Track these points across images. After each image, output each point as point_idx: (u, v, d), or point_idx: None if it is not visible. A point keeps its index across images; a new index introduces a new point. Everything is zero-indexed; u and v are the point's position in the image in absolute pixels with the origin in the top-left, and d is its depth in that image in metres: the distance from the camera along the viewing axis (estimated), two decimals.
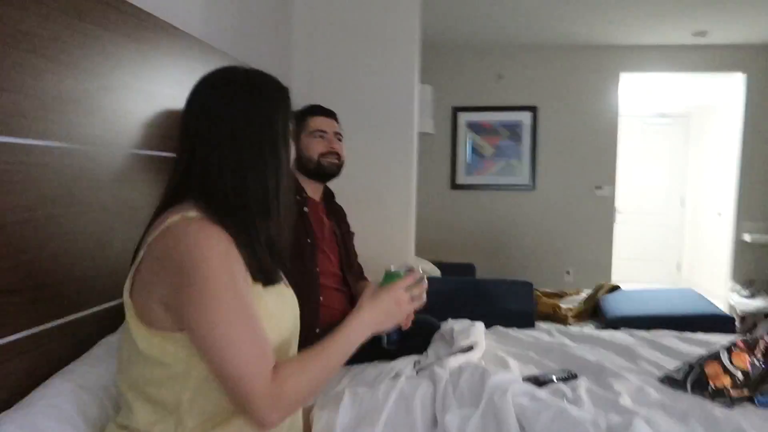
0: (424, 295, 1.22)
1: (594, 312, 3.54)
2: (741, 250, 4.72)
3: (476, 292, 2.94)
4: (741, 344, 1.46)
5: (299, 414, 1.14)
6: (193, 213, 0.94)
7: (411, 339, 1.88)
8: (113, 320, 1.33)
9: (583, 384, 1.45)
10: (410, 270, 1.16)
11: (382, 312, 1.07)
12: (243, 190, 0.97)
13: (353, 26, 2.81)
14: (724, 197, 5.03)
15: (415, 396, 1.31)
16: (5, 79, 1.01)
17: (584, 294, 3.85)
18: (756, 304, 4.55)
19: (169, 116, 1.58)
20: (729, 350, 1.45)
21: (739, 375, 1.39)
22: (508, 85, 4.74)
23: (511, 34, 4.40)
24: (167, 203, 0.99)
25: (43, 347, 1.13)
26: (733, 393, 1.37)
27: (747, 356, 1.42)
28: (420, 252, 3.29)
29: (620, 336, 1.93)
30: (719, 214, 5.20)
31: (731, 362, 1.42)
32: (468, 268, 4.05)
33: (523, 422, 1.11)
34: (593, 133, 4.71)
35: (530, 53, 4.70)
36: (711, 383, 1.39)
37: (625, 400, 1.33)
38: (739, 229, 4.72)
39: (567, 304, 3.74)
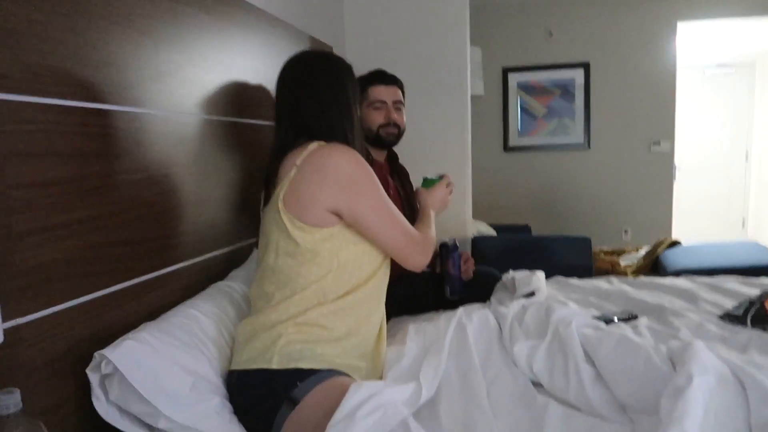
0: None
1: (654, 268, 3.54)
2: None
3: (534, 248, 3.00)
4: None
5: (382, 349, 1.35)
6: (323, 143, 1.28)
7: (473, 289, 1.99)
8: (212, 269, 1.50)
9: (643, 322, 1.51)
10: (443, 175, 1.73)
11: (437, 200, 1.65)
12: (336, 128, 1.34)
13: None
14: None
15: (472, 323, 1.41)
16: (110, 54, 1.15)
17: (643, 251, 3.84)
18: None
19: (243, 85, 1.71)
20: None
21: None
22: (558, 42, 4.67)
23: None
24: (281, 152, 1.32)
25: (156, 291, 1.29)
26: None
27: None
28: (475, 215, 3.36)
29: (681, 282, 1.96)
30: None
31: None
32: (524, 229, 4.09)
33: (587, 349, 1.19)
34: (649, 87, 4.59)
35: (580, 7, 4.60)
36: None
37: (685, 334, 1.39)
38: None
39: (626, 262, 3.74)
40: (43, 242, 0.98)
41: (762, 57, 5.67)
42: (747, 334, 1.40)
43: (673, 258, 3.32)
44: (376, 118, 2.02)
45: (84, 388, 1.04)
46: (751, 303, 1.50)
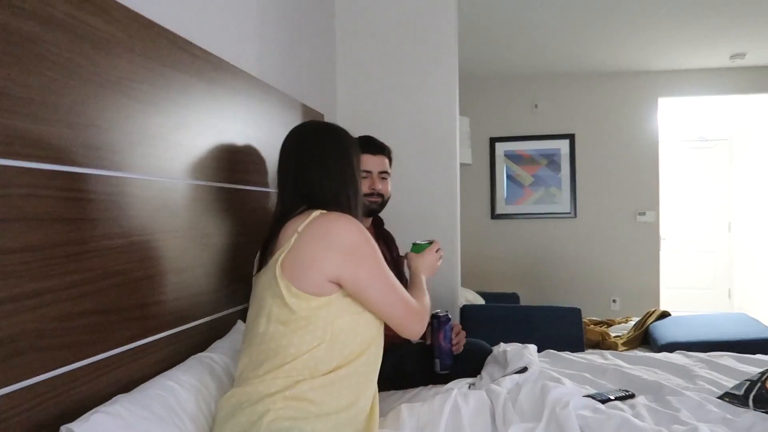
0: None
1: (644, 339, 3.48)
2: None
3: (524, 318, 2.94)
4: None
5: (374, 427, 1.30)
6: (325, 212, 1.27)
7: (464, 363, 1.92)
8: (194, 339, 1.43)
9: (641, 402, 1.45)
10: (432, 241, 1.73)
11: (428, 265, 1.64)
12: (342, 196, 1.35)
13: (395, 61, 2.93)
14: None
15: (468, 405, 1.34)
16: (96, 118, 1.13)
17: (633, 322, 3.79)
18: None
19: (234, 150, 1.69)
20: None
21: None
22: (544, 113, 4.80)
23: (546, 63, 4.48)
24: (283, 218, 1.32)
25: (134, 363, 1.22)
26: None
27: None
28: (463, 282, 3.32)
29: (676, 357, 1.91)
30: None
31: None
32: (512, 298, 4.04)
33: None
34: (633, 158, 4.70)
35: (565, 81, 4.76)
36: None
37: (686, 416, 1.33)
38: None
39: (615, 333, 3.68)
40: (13, 312, 0.92)
41: (739, 133, 5.87)
42: (750, 415, 1.35)
43: (663, 330, 3.27)
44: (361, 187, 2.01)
45: None
46: (752, 382, 1.45)
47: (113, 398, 1.08)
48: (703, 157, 6.13)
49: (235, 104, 1.72)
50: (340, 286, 1.24)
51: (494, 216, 4.87)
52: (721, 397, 1.50)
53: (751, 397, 1.42)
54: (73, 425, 0.94)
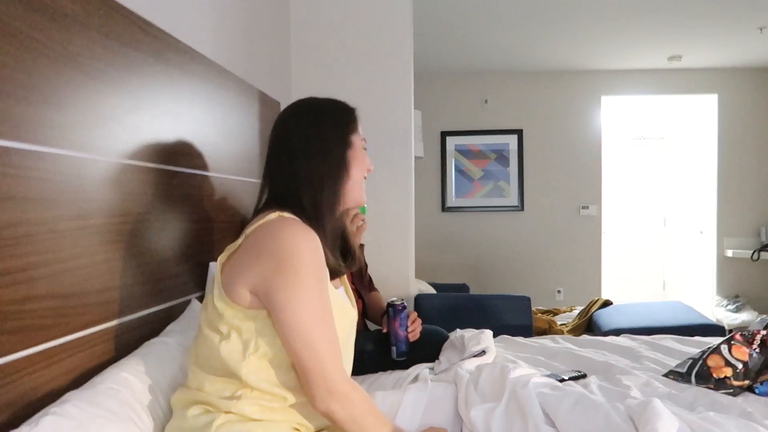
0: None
1: (588, 327, 3.62)
2: (724, 266, 4.87)
3: (476, 307, 3.01)
4: (739, 337, 1.55)
5: None
6: (287, 214, 1.10)
7: (421, 349, 1.95)
8: (150, 326, 1.39)
9: (593, 381, 1.51)
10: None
11: None
12: (305, 199, 1.15)
13: (350, 53, 2.93)
14: (705, 215, 5.21)
15: (434, 390, 1.37)
16: (53, 95, 1.08)
17: (577, 311, 3.94)
18: (742, 317, 4.68)
19: (191, 136, 1.65)
20: (729, 343, 1.54)
21: (740, 366, 1.47)
22: (494, 109, 4.91)
23: (496, 60, 4.58)
24: (261, 209, 1.17)
25: (86, 351, 1.17)
26: (735, 383, 1.45)
27: (746, 348, 1.51)
28: (415, 274, 3.36)
29: (622, 340, 2.00)
30: (701, 233, 5.37)
31: (731, 354, 1.50)
32: (462, 288, 4.12)
33: (546, 409, 1.17)
34: (578, 154, 4.87)
35: (514, 78, 4.88)
36: (714, 374, 1.47)
37: (636, 393, 1.40)
38: (721, 246, 4.88)
39: (561, 321, 3.82)
40: None
41: (674, 131, 6.18)
42: (692, 391, 1.44)
43: (606, 317, 3.42)
44: None
45: None
46: (694, 360, 1.54)
47: (64, 396, 1.02)
48: (641, 155, 6.41)
49: (192, 88, 1.68)
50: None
51: (444, 209, 4.95)
52: (666, 375, 1.58)
53: (693, 373, 1.51)
54: (21, 429, 0.88)
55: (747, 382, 1.46)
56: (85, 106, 1.17)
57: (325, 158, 1.15)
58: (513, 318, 2.97)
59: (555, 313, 4.02)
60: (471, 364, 1.62)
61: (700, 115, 5.26)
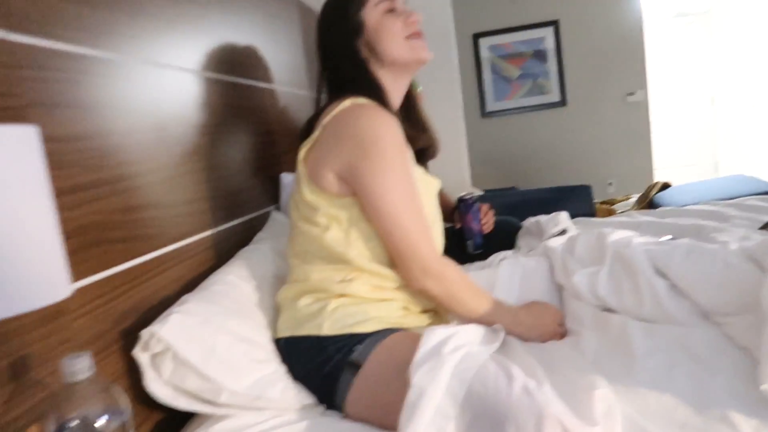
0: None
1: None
2: None
3: (538, 201, 2.96)
4: None
5: None
6: (362, 100, 1.10)
7: (497, 240, 1.93)
8: (235, 238, 1.41)
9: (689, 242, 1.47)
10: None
11: (532, 326, 1.14)
12: (359, 80, 1.16)
13: None
14: (755, 92, 4.93)
15: (526, 265, 1.36)
16: (126, 2, 1.03)
17: (633, 198, 3.86)
18: None
19: (247, 48, 1.60)
20: None
21: None
22: (525, 2, 4.65)
23: None
24: (330, 100, 1.17)
25: (187, 261, 1.19)
26: None
27: None
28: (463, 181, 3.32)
29: (704, 207, 1.94)
30: (752, 107, 5.10)
31: None
32: (511, 192, 4.07)
33: (657, 263, 1.14)
34: (618, 39, 4.61)
35: None
36: None
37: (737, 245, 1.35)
38: None
39: (621, 209, 3.75)
40: (76, 203, 0.87)
41: (716, 4, 5.78)
42: None
43: (668, 198, 3.33)
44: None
45: (134, 365, 0.94)
46: None
47: (182, 298, 1.05)
48: (684, 33, 6.06)
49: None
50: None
51: (484, 114, 4.81)
52: (762, 228, 1.53)
53: None
54: (153, 328, 0.91)
55: None
56: (154, 13, 1.13)
57: (344, 28, 1.16)
58: (574, 208, 2.91)
59: (611, 203, 3.95)
60: (555, 242, 1.60)
61: None
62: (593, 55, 4.65)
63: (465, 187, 3.00)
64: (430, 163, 1.40)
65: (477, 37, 4.71)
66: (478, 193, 3.06)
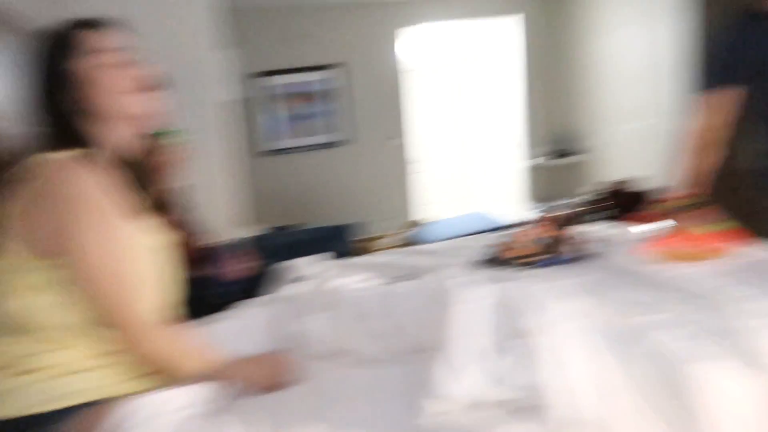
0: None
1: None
2: (532, 176, 5.45)
3: (308, 241, 3.08)
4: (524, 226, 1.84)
5: None
6: (62, 154, 1.00)
7: (250, 286, 1.93)
8: None
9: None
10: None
11: (260, 376, 1.16)
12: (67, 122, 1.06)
13: None
14: (509, 133, 5.73)
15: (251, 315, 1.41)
16: None
17: (389, 239, 4.25)
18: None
19: None
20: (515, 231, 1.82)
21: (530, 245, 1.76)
22: (310, 46, 4.87)
23: None
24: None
25: None
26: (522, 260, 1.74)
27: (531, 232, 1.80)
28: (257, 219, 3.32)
29: (429, 246, 2.24)
30: (508, 146, 5.88)
31: (518, 238, 1.79)
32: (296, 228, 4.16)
33: (362, 308, 1.28)
34: (381, 87, 5.07)
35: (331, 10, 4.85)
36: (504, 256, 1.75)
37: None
38: (527, 157, 5.43)
39: (379, 246, 4.09)
40: None
41: (478, 55, 6.51)
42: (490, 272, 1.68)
43: (424, 235, 3.73)
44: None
45: None
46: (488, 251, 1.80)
47: None
48: (444, 81, 6.77)
49: None
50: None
51: (268, 152, 4.92)
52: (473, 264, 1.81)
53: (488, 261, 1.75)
54: None
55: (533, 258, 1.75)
56: None
57: (48, 78, 1.05)
58: (334, 247, 3.10)
59: (376, 239, 4.28)
60: (288, 290, 1.65)
61: (505, 36, 5.48)
62: (361, 101, 5.04)
63: (241, 226, 3.00)
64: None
65: (257, 76, 4.79)
66: (238, 237, 3.08)
